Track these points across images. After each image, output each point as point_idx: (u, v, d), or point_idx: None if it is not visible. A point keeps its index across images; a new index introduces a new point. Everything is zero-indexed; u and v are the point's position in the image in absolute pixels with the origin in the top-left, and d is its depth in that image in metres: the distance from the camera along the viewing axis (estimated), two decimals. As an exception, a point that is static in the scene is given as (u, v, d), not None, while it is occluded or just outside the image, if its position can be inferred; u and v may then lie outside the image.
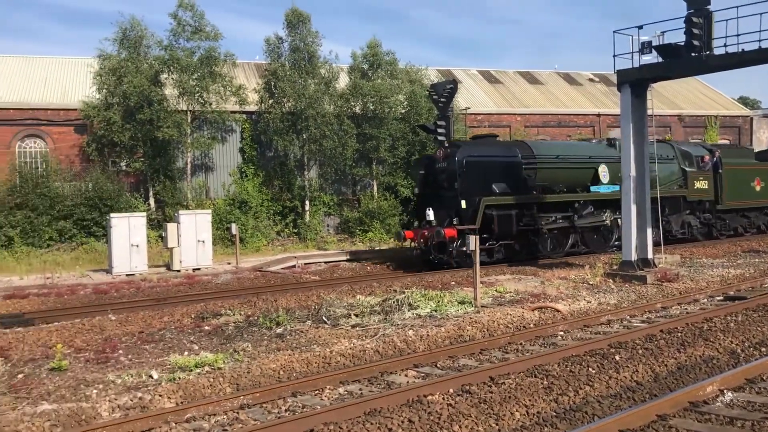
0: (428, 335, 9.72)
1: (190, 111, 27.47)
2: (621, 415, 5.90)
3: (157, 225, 26.14)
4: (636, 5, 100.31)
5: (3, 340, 9.92)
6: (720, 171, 23.96)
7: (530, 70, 42.84)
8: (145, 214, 21.93)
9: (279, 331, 10.27)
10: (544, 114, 37.32)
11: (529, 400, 6.64)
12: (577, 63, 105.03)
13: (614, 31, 15.64)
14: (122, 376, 7.96)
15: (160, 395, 7.16)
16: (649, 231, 15.90)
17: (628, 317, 11.24)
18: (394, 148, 29.40)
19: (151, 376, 7.94)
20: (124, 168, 28.00)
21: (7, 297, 15.31)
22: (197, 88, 26.67)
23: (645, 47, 14.99)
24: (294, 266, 20.87)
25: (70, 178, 26.67)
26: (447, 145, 19.01)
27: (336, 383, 7.66)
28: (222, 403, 6.89)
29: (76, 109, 27.58)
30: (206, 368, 8.15)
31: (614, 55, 15.68)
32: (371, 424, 6.10)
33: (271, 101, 28.29)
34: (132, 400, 7.01)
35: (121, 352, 9.28)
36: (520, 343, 9.47)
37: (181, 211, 21.55)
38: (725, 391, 6.66)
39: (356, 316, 11.09)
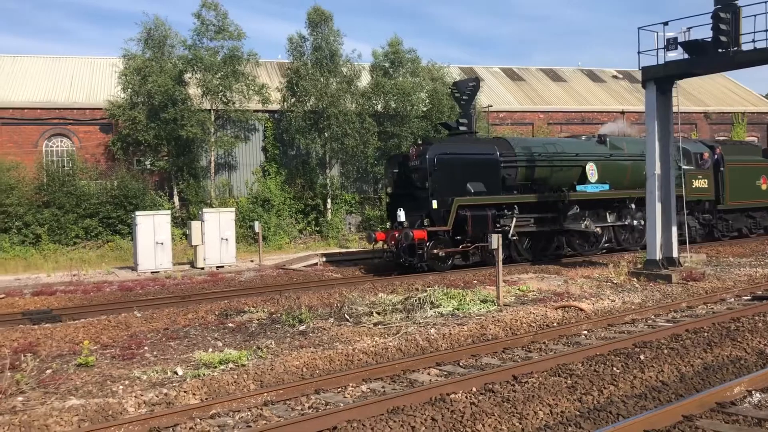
0: (450, 334, 9.70)
1: (214, 110, 27.71)
2: (646, 415, 5.84)
3: (181, 223, 26.41)
4: (661, 1, 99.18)
5: (32, 336, 10.08)
6: (722, 169, 22.93)
7: (553, 67, 42.54)
8: (169, 212, 22.17)
9: (302, 328, 10.32)
10: (567, 111, 37.04)
11: (553, 400, 6.61)
12: (600, 60, 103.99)
13: (639, 28, 15.48)
14: (148, 372, 8.05)
15: (185, 391, 7.23)
16: (674, 229, 15.71)
17: (652, 316, 11.13)
18: (416, 146, 29.37)
19: (176, 373, 8.02)
20: (148, 166, 28.31)
21: (36, 294, 15.56)
22: (220, 88, 26.87)
23: (671, 44, 14.81)
24: (316, 264, 20.94)
25: (96, 176, 27.03)
26: (420, 142, 18.44)
27: (359, 381, 7.68)
28: (246, 400, 6.94)
29: (101, 109, 27.95)
30: (230, 365, 8.21)
31: (639, 52, 15.53)
32: (394, 422, 6.11)
33: (293, 100, 28.41)
34: (157, 396, 7.08)
35: (146, 348, 9.39)
36: (544, 342, 9.41)
37: (205, 210, 21.74)
38: (753, 391, 6.57)
39: (378, 314, 11.10)
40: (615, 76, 42.81)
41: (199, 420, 6.46)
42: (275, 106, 29.06)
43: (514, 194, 18.64)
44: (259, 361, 8.34)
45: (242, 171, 30.05)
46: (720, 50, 14.12)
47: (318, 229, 28.42)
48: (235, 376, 7.70)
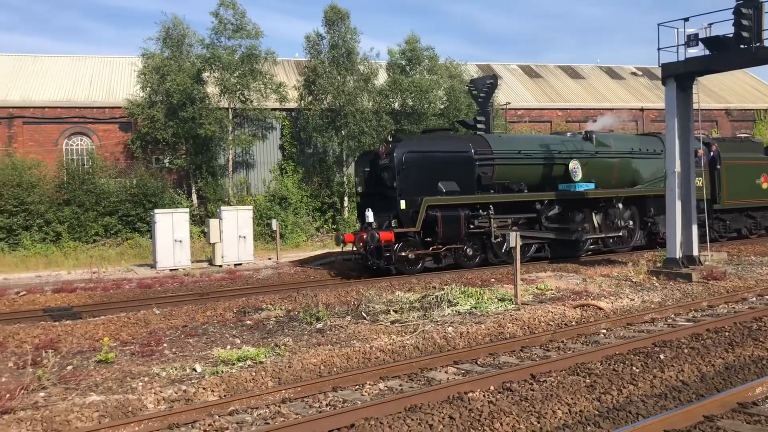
0: (468, 332, 9.67)
1: (232, 108, 27.86)
2: (666, 415, 5.79)
3: (199, 221, 26.59)
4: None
5: (53, 332, 10.19)
6: (718, 167, 21.81)
7: (571, 64, 42.31)
8: (188, 210, 22.33)
9: (319, 326, 10.34)
10: (586, 109, 36.78)
11: (571, 399, 6.56)
12: (619, 57, 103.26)
13: (659, 24, 15.32)
14: (167, 369, 8.10)
15: (203, 388, 7.28)
16: (695, 228, 15.55)
17: (672, 316, 11.02)
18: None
19: (194, 370, 8.07)
20: (167, 165, 28.54)
21: (56, 291, 15.74)
22: (238, 86, 27.02)
23: (691, 40, 14.64)
24: (333, 261, 20.97)
25: (115, 174, 27.31)
26: (390, 139, 17.76)
27: (376, 379, 7.68)
28: (264, 397, 6.97)
29: (120, 107, 28.22)
30: (248, 362, 8.25)
31: (659, 49, 15.36)
32: (412, 420, 6.10)
33: (310, 98, 28.49)
34: (176, 393, 7.13)
35: (165, 345, 9.45)
36: (562, 341, 9.36)
37: (222, 207, 21.87)
38: (775, 392, 6.48)
39: (395, 312, 11.10)
40: (634, 73, 42.46)
41: (217, 417, 6.50)
42: (292, 105, 29.17)
43: (491, 194, 17.82)
44: (277, 359, 8.37)
45: (260, 169, 30.20)
46: (742, 46, 13.95)
47: (335, 227, 28.49)
48: (253, 374, 7.73)
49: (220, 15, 27.09)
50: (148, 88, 26.77)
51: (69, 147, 29.23)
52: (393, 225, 16.44)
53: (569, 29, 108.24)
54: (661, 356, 8.16)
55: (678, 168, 15.28)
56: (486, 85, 20.15)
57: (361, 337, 9.48)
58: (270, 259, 21.92)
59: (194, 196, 28.34)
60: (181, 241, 20.08)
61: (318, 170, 29.54)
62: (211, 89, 27.19)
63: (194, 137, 26.95)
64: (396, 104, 29.28)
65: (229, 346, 9.18)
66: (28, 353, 8.69)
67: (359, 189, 18.39)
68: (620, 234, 20.00)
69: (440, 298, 11.73)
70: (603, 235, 19.55)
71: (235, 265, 20.43)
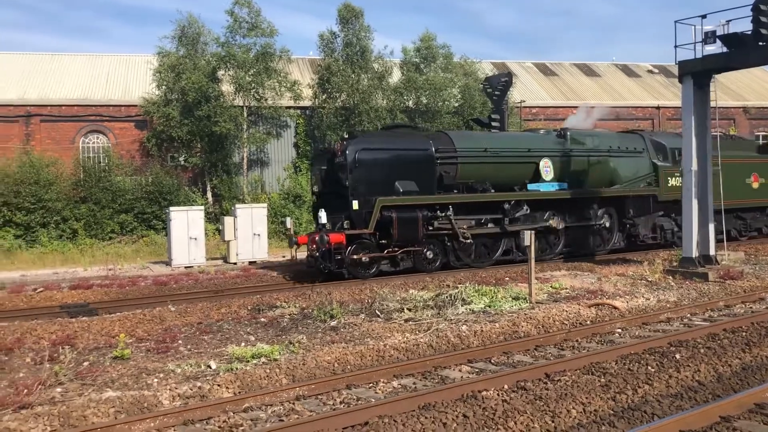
0: (482, 331, 9.65)
1: (246, 106, 27.96)
2: (682, 416, 5.75)
3: (214, 218, 26.74)
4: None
5: (69, 328, 10.28)
6: None
7: (587, 62, 42.08)
8: (203, 207, 22.45)
9: (333, 324, 10.36)
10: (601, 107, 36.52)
11: (586, 398, 6.53)
12: (635, 54, 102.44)
13: (676, 21, 15.22)
14: (182, 365, 8.15)
15: (218, 385, 7.31)
16: (711, 227, 15.42)
17: (688, 315, 10.94)
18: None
19: (209, 366, 8.11)
20: (182, 162, 28.72)
21: (73, 287, 15.87)
22: (253, 84, 27.12)
23: (709, 37, 14.52)
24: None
25: (131, 172, 27.51)
26: (346, 136, 16.94)
27: (390, 377, 7.68)
28: (278, 394, 7.00)
29: (136, 105, 28.42)
30: (263, 359, 8.28)
31: (675, 46, 15.26)
32: (425, 418, 6.10)
33: (324, 96, 28.54)
34: (191, 389, 7.17)
35: (180, 342, 9.51)
36: (576, 340, 9.32)
37: (237, 205, 21.96)
38: (793, 393, 6.41)
39: (409, 310, 11.10)
40: (650, 71, 42.15)
41: (232, 413, 6.53)
42: (307, 103, 29.23)
43: (454, 193, 16.95)
44: (291, 356, 8.40)
45: (274, 167, 30.31)
46: (760, 43, 13.80)
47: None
48: (268, 371, 7.75)
49: (235, 13, 27.21)
50: (163, 86, 26.94)
51: (85, 145, 29.48)
52: (345, 226, 15.66)
53: (584, 27, 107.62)
54: (677, 356, 8.10)
55: (695, 167, 15.16)
56: (501, 82, 20.09)
57: (374, 335, 9.49)
58: (284, 256, 21.97)
59: (209, 194, 28.48)
60: (196, 239, 20.19)
61: (332, 168, 29.57)
62: (226, 87, 27.32)
63: (209, 135, 27.09)
64: (410, 102, 29.26)
65: (243, 343, 9.22)
66: (45, 349, 8.77)
67: (315, 188, 17.35)
68: (596, 235, 19.18)
69: (454, 297, 11.72)
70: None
71: (249, 262, 20.50)
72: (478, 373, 7.82)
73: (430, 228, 16.24)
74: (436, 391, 6.83)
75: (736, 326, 9.68)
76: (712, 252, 15.32)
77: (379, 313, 11.03)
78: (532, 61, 40.92)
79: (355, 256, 15.42)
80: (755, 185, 21.74)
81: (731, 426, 5.68)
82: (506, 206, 17.24)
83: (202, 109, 26.13)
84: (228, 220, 20.91)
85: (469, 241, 16.58)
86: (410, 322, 10.29)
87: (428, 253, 16.51)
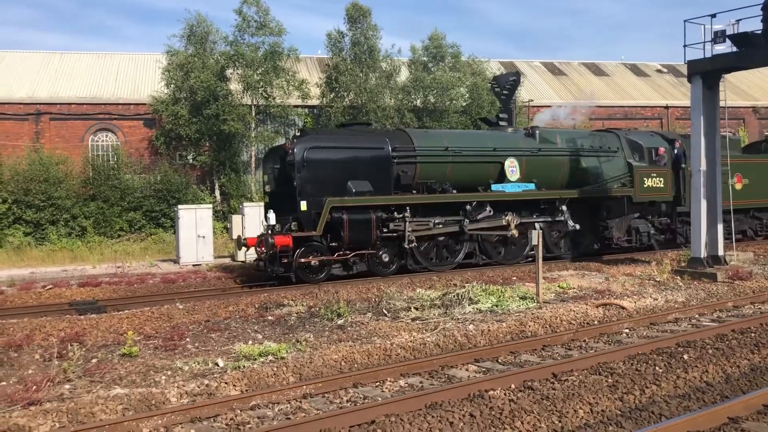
0: (489, 330, 9.65)
1: (254, 105, 28.03)
2: (690, 416, 5.73)
3: (222, 217, 26.80)
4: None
5: (78, 325, 10.33)
6: (683, 166, 19.53)
7: (595, 61, 41.96)
8: (211, 206, 22.51)
9: (340, 322, 10.38)
10: (610, 106, 36.48)
11: (593, 398, 6.52)
12: (644, 54, 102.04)
13: (685, 21, 15.16)
14: (189, 363, 8.18)
15: (225, 383, 7.34)
16: (720, 227, 15.35)
17: (697, 316, 10.90)
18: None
19: (217, 364, 8.14)
20: (190, 161, 28.82)
21: (81, 285, 15.95)
22: (261, 83, 27.17)
23: (718, 36, 14.45)
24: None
25: (140, 170, 27.62)
26: (298, 134, 16.17)
27: (397, 375, 7.69)
28: (285, 392, 7.01)
29: (145, 104, 28.53)
30: (270, 357, 8.30)
31: (685, 45, 15.20)
32: (432, 417, 6.11)
33: (332, 95, 28.56)
34: (199, 387, 7.19)
35: (188, 339, 9.54)
36: (584, 340, 9.30)
37: (245, 204, 22.00)
38: (802, 394, 6.38)
39: (416, 309, 11.10)
40: (659, 71, 42.00)
41: (239, 411, 6.55)
42: (315, 102, 29.26)
43: (413, 194, 16.19)
44: (298, 354, 8.42)
45: (282, 166, 30.29)
46: (770, 43, 13.73)
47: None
48: (275, 369, 7.77)
49: (244, 12, 27.26)
50: (172, 85, 27.03)
51: (95, 143, 29.62)
52: (293, 228, 14.93)
53: (593, 26, 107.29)
54: (685, 356, 8.07)
55: (703, 167, 15.10)
56: (509, 82, 20.01)
57: (381, 334, 9.49)
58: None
59: (217, 192, 28.56)
60: (204, 237, 20.24)
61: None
62: (235, 86, 27.39)
63: (217, 134, 27.16)
64: (418, 101, 29.24)
65: (250, 341, 9.25)
66: (54, 346, 8.83)
67: (267, 188, 16.50)
68: (567, 238, 18.27)
69: (461, 296, 11.71)
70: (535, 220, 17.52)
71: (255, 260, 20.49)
72: (485, 373, 7.81)
73: (385, 230, 15.48)
74: (443, 390, 6.84)
75: (745, 327, 9.64)
76: (720, 252, 15.26)
77: (386, 311, 11.03)
78: (540, 60, 40.84)
79: (303, 260, 14.64)
80: (738, 186, 20.53)
81: (739, 427, 5.66)
82: (467, 207, 16.41)
83: (210, 108, 26.21)
84: (236, 219, 20.95)
85: (414, 244, 15.73)
86: (417, 321, 10.30)
87: (384, 256, 15.71)
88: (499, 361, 8.34)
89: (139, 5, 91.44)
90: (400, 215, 15.62)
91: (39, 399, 6.74)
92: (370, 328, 9.85)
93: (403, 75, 29.88)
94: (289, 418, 6.39)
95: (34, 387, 7.00)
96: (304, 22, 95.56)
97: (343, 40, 28.84)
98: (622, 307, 11.13)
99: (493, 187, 17.09)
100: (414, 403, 6.46)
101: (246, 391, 7.24)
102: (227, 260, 21.00)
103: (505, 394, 6.80)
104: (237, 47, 27.07)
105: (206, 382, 7.33)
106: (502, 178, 17.27)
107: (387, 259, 15.82)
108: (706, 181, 15.11)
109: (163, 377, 7.64)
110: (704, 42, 14.75)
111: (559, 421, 5.97)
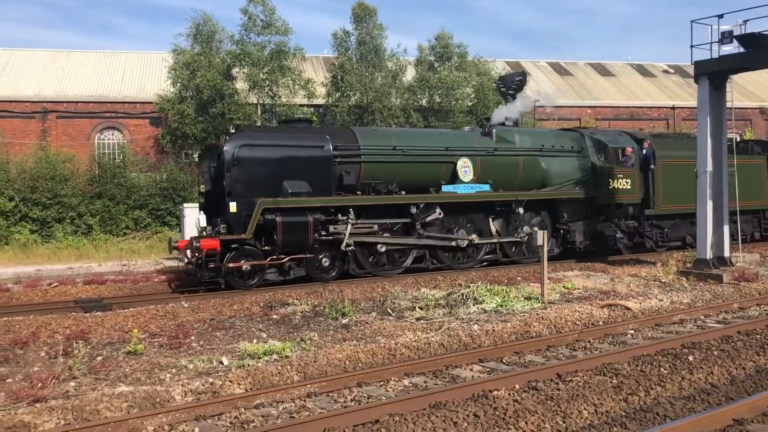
0: (494, 330, 9.64)
1: (260, 104, 28.04)
2: (694, 418, 5.72)
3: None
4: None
5: (83, 323, 10.36)
6: (652, 167, 18.70)
7: (602, 61, 41.85)
8: (216, 204, 22.45)
9: (344, 321, 10.39)
10: (616, 107, 36.39)
11: (598, 399, 6.51)
12: (651, 54, 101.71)
13: (692, 21, 15.10)
14: (194, 361, 8.20)
15: (230, 381, 7.35)
16: (726, 228, 15.30)
17: (702, 317, 10.87)
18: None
19: (221, 362, 8.16)
20: (196, 159, 28.81)
21: (87, 282, 15.99)
22: (267, 82, 27.17)
23: (725, 37, 14.40)
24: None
25: (146, 169, 27.65)
26: (232, 131, 15.32)
27: (401, 375, 7.69)
28: (289, 391, 7.03)
29: (151, 103, 28.58)
30: (274, 356, 8.31)
31: (692, 46, 15.14)
32: (436, 417, 6.11)
33: (338, 95, 28.56)
34: (203, 385, 7.21)
35: (193, 338, 9.56)
36: (589, 341, 9.28)
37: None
38: (808, 396, 6.36)
39: (421, 309, 11.10)
40: (666, 71, 41.87)
41: (243, 409, 6.56)
42: (320, 101, 29.26)
43: (357, 195, 15.42)
44: (302, 353, 8.43)
45: (287, 165, 30.28)
46: (778, 44, 13.68)
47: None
48: (279, 367, 7.79)
49: (250, 12, 27.27)
50: (178, 84, 27.06)
51: (101, 141, 29.71)
52: (222, 231, 14.16)
53: (599, 26, 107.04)
54: (690, 358, 8.05)
55: (710, 167, 15.07)
56: (515, 82, 19.98)
57: (386, 334, 9.50)
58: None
59: (223, 191, 28.55)
60: (209, 236, 20.18)
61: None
62: (241, 85, 27.41)
63: (224, 132, 27.17)
64: (424, 101, 29.23)
65: (255, 340, 9.27)
66: (59, 343, 8.85)
67: (202, 188, 15.64)
68: (517, 240, 17.29)
69: (466, 296, 11.71)
70: (487, 241, 16.86)
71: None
72: (490, 373, 7.81)
73: (324, 233, 14.67)
74: (447, 390, 6.84)
75: (751, 329, 9.61)
76: (726, 254, 15.22)
77: (390, 311, 11.04)
78: (546, 60, 40.76)
79: (232, 264, 13.75)
80: None
81: (744, 429, 5.65)
82: (414, 210, 15.65)
83: (216, 107, 26.23)
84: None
85: (351, 248, 14.96)
86: (422, 321, 10.30)
87: (324, 260, 14.95)
88: (504, 361, 8.34)
89: (146, 4, 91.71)
90: (343, 218, 14.87)
91: (44, 396, 6.77)
92: (374, 328, 9.86)
93: (410, 74, 29.87)
94: (293, 417, 6.40)
95: (40, 384, 7.03)
96: (310, 21, 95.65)
97: (349, 39, 28.84)
98: (627, 308, 11.11)
99: (444, 188, 16.32)
100: (418, 403, 6.47)
101: (250, 389, 7.25)
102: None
103: (509, 394, 6.79)
104: (243, 46, 27.07)
105: (211, 380, 7.35)
106: (455, 178, 16.52)
107: (327, 264, 15.04)
108: (712, 182, 15.07)
109: (168, 375, 7.66)
110: (711, 43, 14.71)
111: (564, 422, 5.97)
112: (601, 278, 14.48)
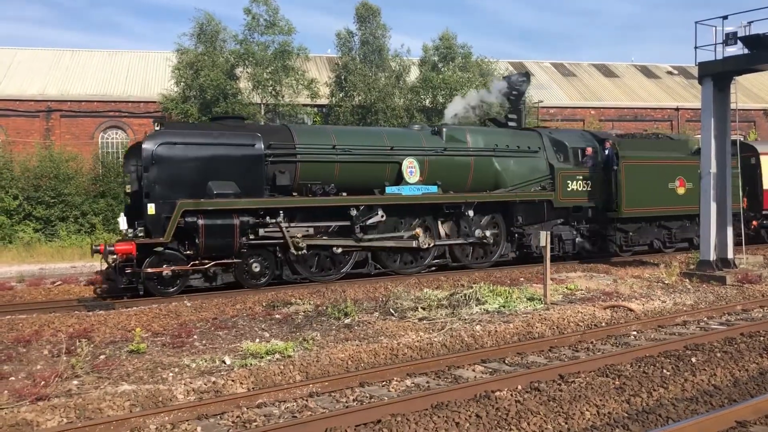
0: (496, 331, 9.64)
1: (264, 104, 28.06)
2: (697, 420, 5.71)
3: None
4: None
5: (86, 322, 10.38)
6: (615, 167, 17.90)
7: (605, 62, 41.80)
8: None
9: (347, 321, 10.39)
10: (620, 108, 36.37)
11: (600, 400, 6.51)
12: (655, 55, 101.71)
13: (696, 22, 15.08)
14: (197, 360, 8.21)
15: (232, 380, 7.36)
16: (730, 230, 15.27)
17: (705, 319, 10.85)
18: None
19: (224, 362, 8.17)
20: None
21: (90, 281, 16.02)
22: (271, 82, 27.19)
23: (730, 38, 14.36)
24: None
25: (149, 168, 27.65)
26: (157, 128, 14.28)
27: (403, 375, 7.69)
28: (292, 391, 7.03)
29: (155, 102, 28.62)
30: (277, 355, 8.32)
31: (696, 47, 15.11)
32: (438, 417, 6.11)
33: (341, 95, 28.57)
34: (206, 384, 7.22)
35: (195, 337, 9.57)
36: (591, 342, 9.28)
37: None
38: (811, 399, 6.34)
39: (423, 309, 11.10)
40: (670, 72, 41.82)
41: (245, 409, 6.57)
42: (324, 101, 29.27)
43: (294, 196, 14.57)
44: (304, 353, 8.43)
45: (290, 165, 30.31)
46: (782, 45, 13.66)
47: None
48: (282, 367, 7.79)
49: (253, 11, 27.29)
50: (182, 83, 27.09)
51: (104, 140, 29.77)
52: (140, 234, 13.26)
53: (603, 27, 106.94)
54: (693, 359, 8.04)
55: (714, 169, 15.03)
56: (518, 82, 19.96)
57: (388, 334, 9.50)
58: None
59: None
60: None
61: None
62: (244, 84, 27.43)
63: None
64: (427, 101, 29.23)
65: (258, 340, 9.27)
66: (62, 342, 8.87)
67: (128, 188, 14.73)
68: (476, 247, 16.73)
69: (468, 297, 11.70)
70: (434, 244, 15.99)
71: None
72: (492, 373, 7.81)
73: (253, 237, 13.83)
74: (450, 390, 6.84)
75: (754, 331, 9.59)
76: (730, 255, 15.18)
77: (393, 311, 11.04)
78: (550, 61, 40.73)
79: (150, 270, 12.93)
80: (682, 191, 18.65)
81: (747, 431, 5.64)
82: (353, 212, 14.80)
83: (220, 106, 26.25)
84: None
85: (303, 251, 14.22)
86: (424, 321, 10.30)
87: (254, 266, 13.99)
88: (506, 362, 8.34)
89: (149, 3, 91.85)
90: (274, 221, 14.01)
91: (47, 394, 6.78)
92: (377, 328, 9.86)
93: (413, 74, 29.87)
94: (296, 417, 6.41)
95: (43, 382, 7.05)
96: (314, 21, 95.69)
97: (353, 39, 28.86)
98: (630, 309, 11.10)
99: (388, 189, 15.47)
100: (420, 403, 6.47)
101: (252, 388, 7.26)
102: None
103: (511, 395, 6.79)
104: (247, 46, 27.11)
105: (213, 379, 7.36)
106: (400, 179, 15.72)
107: (258, 270, 14.04)
108: (716, 184, 15.03)
109: (171, 374, 7.67)
110: (715, 44, 14.69)
111: (566, 423, 5.96)
112: (604, 279, 14.47)
